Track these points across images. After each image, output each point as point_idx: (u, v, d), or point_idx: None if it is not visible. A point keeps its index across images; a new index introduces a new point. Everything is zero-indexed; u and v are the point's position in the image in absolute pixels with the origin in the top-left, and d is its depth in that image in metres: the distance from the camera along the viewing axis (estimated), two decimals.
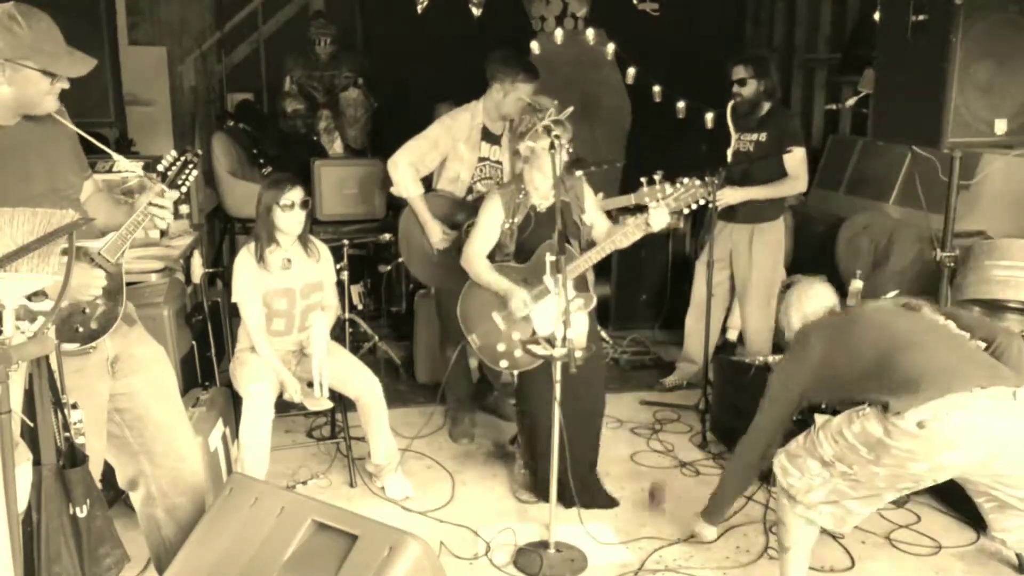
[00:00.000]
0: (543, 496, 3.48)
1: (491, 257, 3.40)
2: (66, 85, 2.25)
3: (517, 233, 3.35)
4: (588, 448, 3.46)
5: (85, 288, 2.27)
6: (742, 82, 4.31)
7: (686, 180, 3.26)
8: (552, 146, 3.09)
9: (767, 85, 4.31)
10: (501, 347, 3.32)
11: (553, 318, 3.19)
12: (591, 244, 3.33)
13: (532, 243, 3.33)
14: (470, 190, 4.01)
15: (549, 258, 3.21)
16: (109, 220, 2.45)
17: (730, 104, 4.34)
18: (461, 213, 3.99)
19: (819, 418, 2.61)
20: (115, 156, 2.55)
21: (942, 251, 3.38)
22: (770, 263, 4.45)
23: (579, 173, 3.13)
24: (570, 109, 3.38)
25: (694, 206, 3.27)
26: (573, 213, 3.35)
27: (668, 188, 3.23)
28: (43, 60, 2.17)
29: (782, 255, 4.50)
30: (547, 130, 3.13)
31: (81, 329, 2.33)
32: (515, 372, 3.39)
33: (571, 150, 3.24)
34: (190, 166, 2.44)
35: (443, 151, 3.99)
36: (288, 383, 3.39)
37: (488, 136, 4.01)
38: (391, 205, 5.30)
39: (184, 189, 2.44)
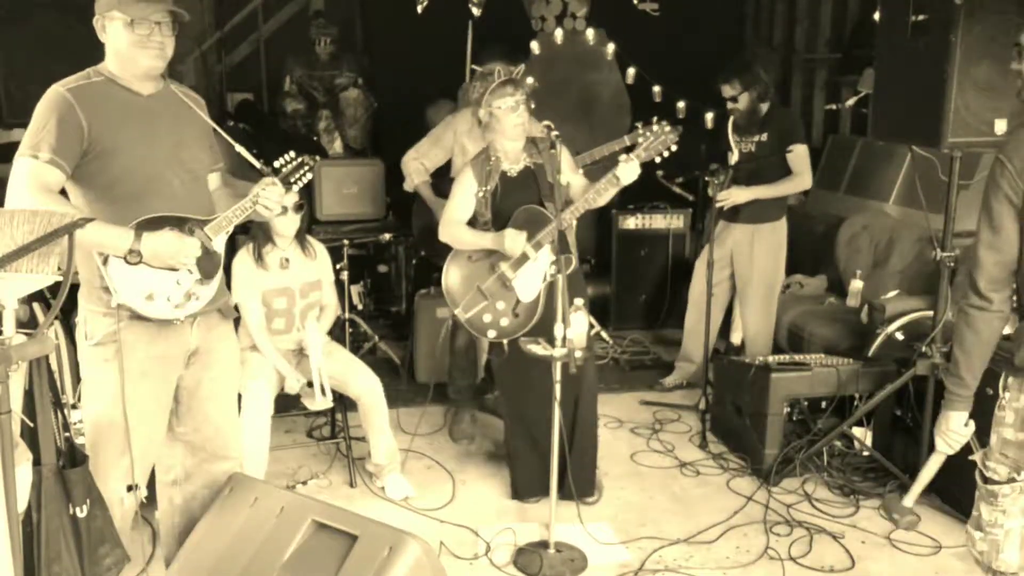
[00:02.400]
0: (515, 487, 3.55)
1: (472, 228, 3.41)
2: (158, 37, 2.31)
3: (491, 200, 3.35)
4: (582, 440, 3.44)
5: (176, 255, 2.33)
6: (734, 99, 4.32)
7: (655, 128, 3.23)
8: (552, 145, 3.08)
9: (759, 91, 4.29)
10: (487, 318, 3.32)
11: (537, 282, 3.20)
12: (568, 204, 3.28)
13: (506, 208, 3.32)
14: None
15: (550, 257, 3.21)
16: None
17: (730, 120, 4.33)
18: None
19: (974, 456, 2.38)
20: (239, 148, 2.62)
21: (942, 251, 3.37)
22: (771, 264, 4.44)
23: (555, 133, 3.12)
24: (521, 67, 3.36)
25: (666, 153, 3.23)
26: (548, 174, 3.31)
27: (639, 139, 3.22)
28: (122, 7, 2.26)
29: (784, 256, 4.49)
30: (548, 128, 3.13)
31: (171, 299, 2.37)
32: (505, 341, 3.36)
33: (533, 105, 3.26)
34: (305, 168, 2.54)
35: (446, 147, 4.13)
36: (288, 376, 3.39)
37: None
38: (391, 206, 5.31)
39: (295, 189, 2.54)
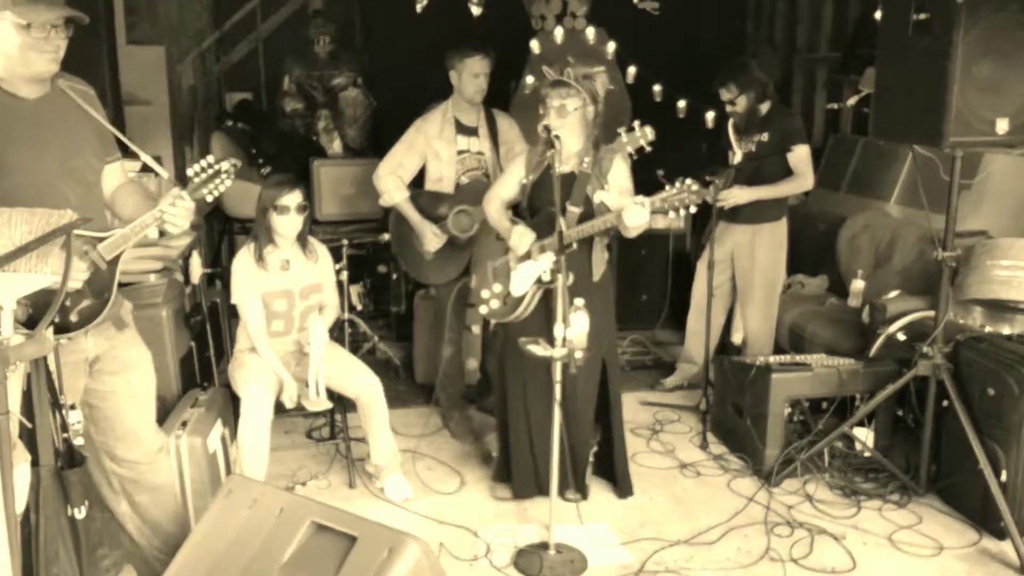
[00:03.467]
0: (503, 480, 3.58)
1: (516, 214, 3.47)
2: (55, 40, 2.19)
3: (530, 191, 3.37)
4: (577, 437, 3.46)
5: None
6: (732, 102, 4.31)
7: (685, 182, 3.01)
8: (551, 144, 3.06)
9: (757, 91, 4.28)
10: (485, 294, 3.40)
11: (527, 282, 3.21)
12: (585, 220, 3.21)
13: (538, 203, 3.35)
14: (458, 186, 4.02)
15: (551, 263, 3.20)
16: (134, 214, 2.40)
17: (730, 122, 4.33)
18: (444, 205, 4.00)
19: None
20: (142, 156, 2.50)
21: (944, 251, 3.37)
22: (772, 264, 4.43)
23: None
24: (596, 69, 3.29)
25: (683, 212, 3.02)
26: (589, 185, 3.25)
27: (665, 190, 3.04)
28: (17, 10, 2.15)
29: (784, 256, 4.48)
30: (547, 129, 3.11)
31: (58, 319, 2.26)
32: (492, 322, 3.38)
33: (599, 108, 3.24)
34: (223, 175, 2.36)
35: (420, 152, 4.04)
36: (287, 385, 3.37)
37: (462, 128, 4.04)
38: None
39: (209, 199, 2.37)
